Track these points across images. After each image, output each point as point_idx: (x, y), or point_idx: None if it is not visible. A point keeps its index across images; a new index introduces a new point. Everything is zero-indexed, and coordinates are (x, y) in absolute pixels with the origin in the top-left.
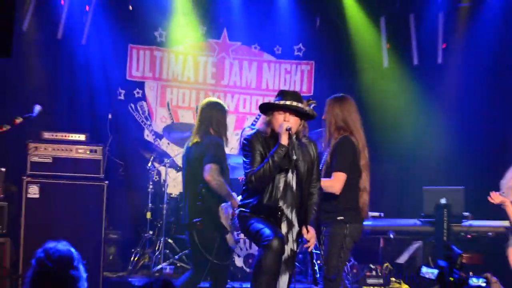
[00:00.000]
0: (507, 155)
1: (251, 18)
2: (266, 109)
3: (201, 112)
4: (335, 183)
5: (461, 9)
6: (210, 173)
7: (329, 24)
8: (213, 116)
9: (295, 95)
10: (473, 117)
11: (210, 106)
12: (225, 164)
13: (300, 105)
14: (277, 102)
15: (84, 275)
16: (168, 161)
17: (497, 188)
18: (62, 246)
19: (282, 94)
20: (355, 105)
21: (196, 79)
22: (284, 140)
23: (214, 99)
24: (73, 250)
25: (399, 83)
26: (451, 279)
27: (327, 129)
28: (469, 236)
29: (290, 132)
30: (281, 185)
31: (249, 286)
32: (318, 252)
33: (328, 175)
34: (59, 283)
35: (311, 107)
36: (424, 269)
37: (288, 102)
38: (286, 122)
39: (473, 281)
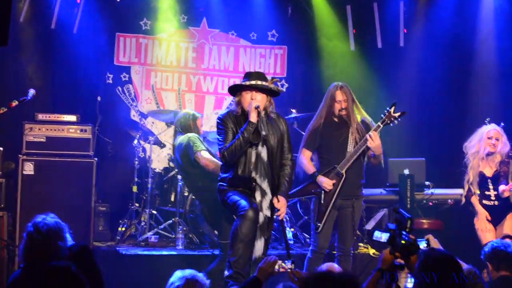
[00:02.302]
0: (462, 129)
1: (228, 7)
2: (235, 90)
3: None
4: None
5: None
6: (203, 158)
7: (300, 12)
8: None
9: (259, 75)
10: (431, 95)
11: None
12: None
13: (264, 83)
14: (243, 83)
15: (71, 245)
16: (153, 138)
17: (455, 159)
18: (50, 218)
19: (248, 75)
20: None
21: (178, 63)
22: (253, 118)
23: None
24: (60, 222)
25: (365, 64)
26: (403, 242)
27: (352, 112)
28: (430, 203)
29: (258, 109)
30: (253, 158)
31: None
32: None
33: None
34: (49, 253)
35: (276, 84)
36: (377, 233)
37: (253, 82)
38: (255, 101)
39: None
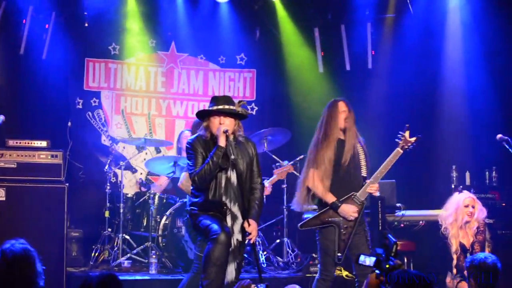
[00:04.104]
0: (432, 150)
1: (197, 31)
2: (203, 115)
3: None
4: None
5: (386, 20)
6: (181, 181)
7: (268, 35)
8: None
9: (226, 99)
10: (400, 116)
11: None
12: None
13: (232, 107)
14: (210, 108)
15: (40, 270)
16: (124, 163)
17: (425, 180)
18: (19, 245)
19: (215, 100)
20: None
21: (148, 88)
22: (221, 142)
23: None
24: (29, 248)
25: (333, 86)
26: (387, 266)
27: (354, 124)
28: (402, 225)
29: (227, 134)
30: (223, 182)
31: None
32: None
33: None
34: (16, 282)
35: (244, 107)
36: (362, 258)
37: (220, 106)
38: (223, 125)
39: None
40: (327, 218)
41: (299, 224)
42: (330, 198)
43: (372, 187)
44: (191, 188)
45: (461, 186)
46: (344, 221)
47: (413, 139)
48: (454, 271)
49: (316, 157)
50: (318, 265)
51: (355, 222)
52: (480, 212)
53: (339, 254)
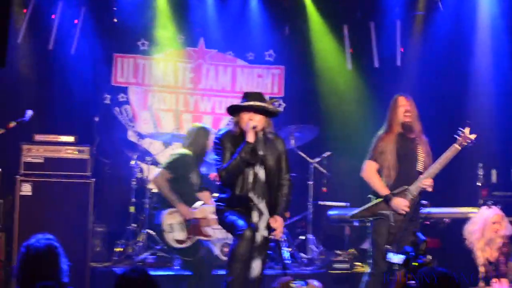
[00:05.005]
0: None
1: (226, 28)
2: (233, 111)
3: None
4: None
5: (416, 17)
6: (156, 176)
7: (297, 31)
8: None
9: (258, 96)
10: (428, 114)
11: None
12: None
13: (263, 104)
14: (242, 103)
15: (65, 267)
16: (150, 159)
17: (450, 178)
18: (44, 240)
19: (247, 96)
20: None
21: (176, 84)
22: (250, 138)
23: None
24: (54, 244)
25: (361, 83)
26: (415, 264)
27: (417, 120)
28: (427, 222)
29: (256, 130)
30: (251, 178)
31: (224, 273)
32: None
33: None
34: (39, 275)
35: (275, 105)
36: (390, 255)
37: (251, 103)
38: (252, 121)
39: None
40: (378, 211)
41: (350, 214)
42: (384, 191)
43: (426, 182)
44: (218, 183)
45: (489, 202)
46: (395, 214)
47: (473, 136)
48: (481, 284)
49: (374, 150)
50: (370, 260)
51: (406, 216)
52: (506, 230)
53: (388, 247)
